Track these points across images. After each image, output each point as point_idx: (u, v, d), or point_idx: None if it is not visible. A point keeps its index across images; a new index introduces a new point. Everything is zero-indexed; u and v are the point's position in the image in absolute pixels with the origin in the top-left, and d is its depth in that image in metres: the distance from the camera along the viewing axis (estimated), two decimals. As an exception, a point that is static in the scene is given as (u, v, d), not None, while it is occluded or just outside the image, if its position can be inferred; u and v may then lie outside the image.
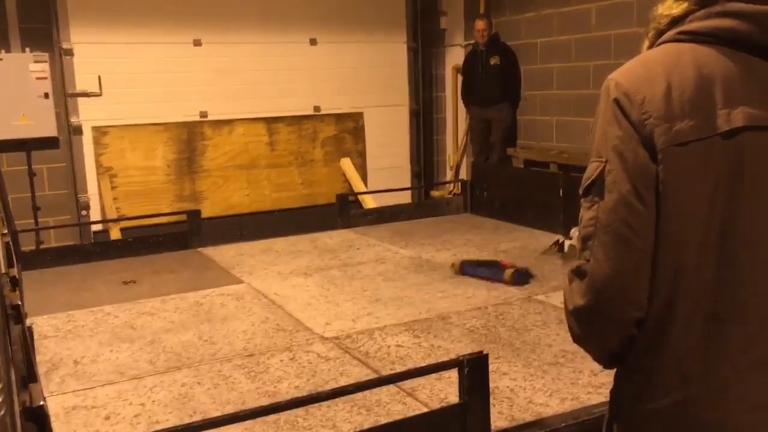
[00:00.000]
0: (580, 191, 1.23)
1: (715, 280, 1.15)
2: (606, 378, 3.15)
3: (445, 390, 3.07)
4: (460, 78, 8.10)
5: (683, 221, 1.14)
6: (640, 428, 1.24)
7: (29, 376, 2.51)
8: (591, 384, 3.11)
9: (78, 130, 6.85)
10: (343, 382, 3.20)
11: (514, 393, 3.06)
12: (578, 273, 1.21)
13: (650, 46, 1.28)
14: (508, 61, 7.48)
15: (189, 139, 7.30)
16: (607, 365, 1.31)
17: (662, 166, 1.14)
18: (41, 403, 2.02)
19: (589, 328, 1.24)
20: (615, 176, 1.16)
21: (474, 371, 2.50)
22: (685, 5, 1.22)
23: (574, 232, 5.33)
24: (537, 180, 6.62)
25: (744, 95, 1.15)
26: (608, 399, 1.33)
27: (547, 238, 5.89)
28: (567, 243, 5.35)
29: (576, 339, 1.29)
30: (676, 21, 1.23)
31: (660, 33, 1.26)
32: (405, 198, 8.12)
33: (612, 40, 6.58)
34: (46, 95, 6.56)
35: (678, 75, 1.16)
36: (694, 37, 1.19)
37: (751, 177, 1.14)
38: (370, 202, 7.60)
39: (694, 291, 1.16)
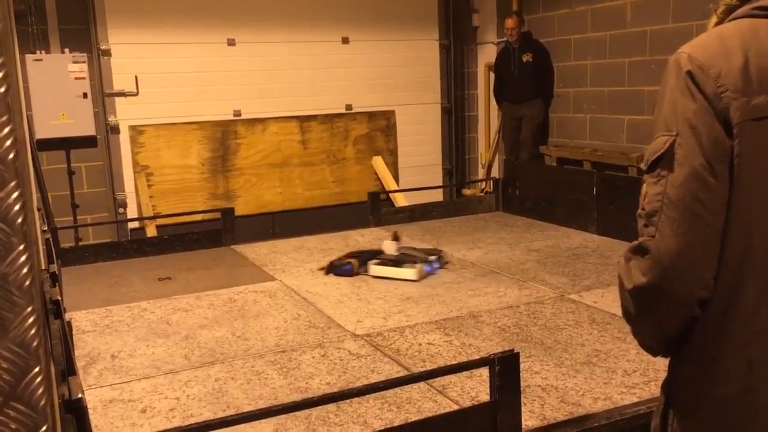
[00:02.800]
0: (644, 166, 1.21)
1: None
2: (639, 379, 3.12)
3: (476, 388, 3.07)
4: (492, 75, 8.07)
5: (756, 198, 1.13)
6: (702, 416, 1.20)
7: (68, 369, 2.58)
8: (624, 384, 3.08)
9: (115, 129, 6.99)
10: (374, 379, 3.21)
11: (545, 392, 3.04)
12: (640, 250, 1.17)
13: (719, 23, 1.26)
14: (540, 58, 7.44)
15: (223, 138, 7.40)
16: (656, 352, 1.28)
17: (738, 140, 1.12)
18: (80, 396, 2.07)
19: (649, 307, 1.19)
20: (687, 150, 1.13)
21: (505, 369, 2.50)
22: None
23: (386, 246, 5.22)
24: (570, 178, 6.56)
25: None
26: (661, 387, 1.30)
27: (578, 237, 5.84)
28: (372, 267, 4.98)
29: (630, 320, 1.25)
30: None
31: (731, 9, 1.24)
32: (436, 196, 8.12)
33: (648, 36, 6.49)
34: (85, 95, 6.70)
35: (755, 50, 1.14)
36: None
37: None
38: (401, 200, 7.61)
39: (763, 272, 1.14)
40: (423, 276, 4.87)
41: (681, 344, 1.22)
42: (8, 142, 0.77)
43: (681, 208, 1.13)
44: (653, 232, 1.15)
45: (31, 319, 0.76)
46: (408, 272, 4.86)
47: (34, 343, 0.76)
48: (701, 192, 1.12)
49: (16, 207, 0.76)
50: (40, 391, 0.75)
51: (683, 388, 1.23)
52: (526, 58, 7.42)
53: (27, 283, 0.76)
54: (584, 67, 7.24)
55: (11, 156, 0.76)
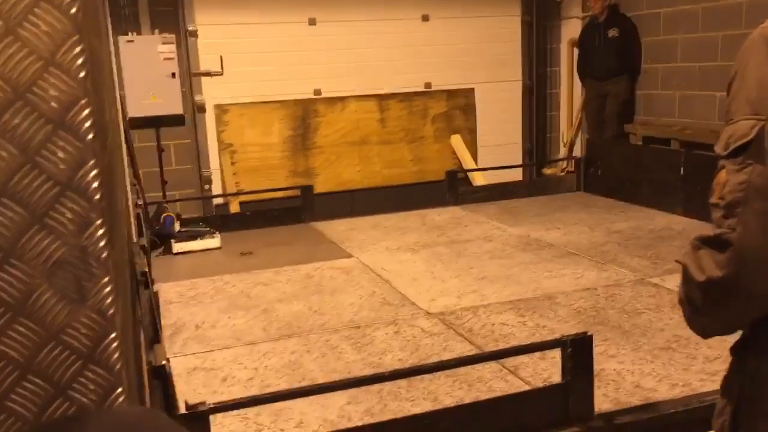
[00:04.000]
0: (724, 152, 1.11)
1: None
2: (721, 366, 3.01)
3: (549, 370, 3.04)
4: (576, 52, 7.85)
5: None
6: None
7: (155, 337, 2.72)
8: (704, 371, 2.99)
9: (201, 108, 7.22)
10: (445, 357, 3.24)
11: (620, 376, 2.99)
12: (718, 243, 1.08)
13: None
14: (627, 32, 7.17)
15: (303, 116, 7.53)
16: (711, 336, 1.23)
17: None
18: (164, 362, 2.20)
19: (722, 302, 1.12)
20: None
21: (577, 351, 2.48)
22: None
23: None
24: (655, 157, 6.33)
25: None
26: (721, 389, 1.25)
27: (663, 219, 5.64)
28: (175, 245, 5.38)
29: (695, 311, 1.18)
30: None
31: None
32: (516, 176, 8.01)
33: (744, 8, 6.15)
34: (173, 75, 6.94)
35: None
36: None
37: None
38: (480, 179, 7.55)
39: None
40: None
41: (749, 341, 1.16)
42: (87, 124, 0.82)
43: None
44: (734, 225, 1.06)
45: (107, 289, 0.81)
46: (213, 242, 5.42)
47: (111, 311, 0.82)
48: None
49: (95, 184, 0.81)
50: (116, 355, 0.81)
51: (761, 386, 1.16)
52: (612, 33, 7.17)
53: (104, 255, 0.81)
54: (674, 41, 6.93)
55: (90, 136, 0.82)
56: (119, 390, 0.83)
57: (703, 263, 1.11)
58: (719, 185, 1.11)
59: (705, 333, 1.23)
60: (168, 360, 2.35)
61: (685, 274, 1.16)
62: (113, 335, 0.82)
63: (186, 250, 5.42)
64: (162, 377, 2.21)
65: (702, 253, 1.11)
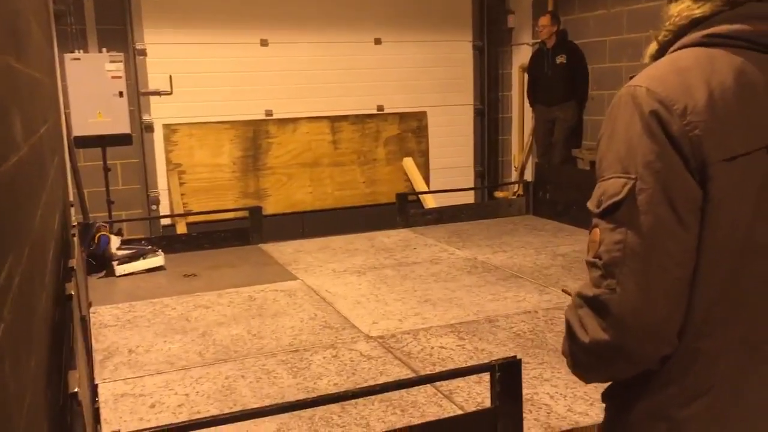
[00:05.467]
0: (597, 210, 1.09)
1: (752, 306, 1.07)
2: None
3: (483, 394, 3.02)
4: (526, 77, 7.98)
5: (725, 243, 1.04)
6: None
7: (71, 363, 2.63)
8: (636, 394, 3.00)
9: (149, 128, 7.12)
10: (381, 381, 3.20)
11: (553, 400, 2.99)
12: (597, 304, 1.06)
13: (662, 51, 1.17)
14: (575, 59, 7.32)
15: (254, 137, 7.47)
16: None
17: (710, 183, 1.02)
18: (76, 390, 2.12)
19: (605, 364, 1.10)
20: (650, 196, 1.03)
21: (506, 376, 2.46)
22: (708, 6, 1.10)
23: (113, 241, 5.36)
24: (601, 182, 6.42)
25: None
26: None
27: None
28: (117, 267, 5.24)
29: (578, 369, 1.15)
30: (697, 23, 1.11)
31: (677, 36, 1.14)
32: (468, 198, 8.06)
33: (684, 38, 6.33)
34: (121, 94, 6.85)
35: (718, 83, 1.04)
36: (726, 41, 1.08)
37: None
38: (431, 202, 7.58)
39: (729, 319, 1.06)
40: None
41: (631, 390, 1.14)
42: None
43: (646, 260, 1.02)
44: (613, 285, 1.04)
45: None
46: (155, 260, 5.33)
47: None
48: (668, 243, 1.02)
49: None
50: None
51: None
52: (560, 59, 7.31)
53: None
54: (619, 68, 7.10)
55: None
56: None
57: (585, 323, 1.08)
58: (594, 243, 1.09)
59: (588, 381, 1.22)
60: (79, 387, 2.27)
61: (569, 331, 1.13)
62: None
63: (129, 272, 5.28)
64: (75, 405, 2.12)
65: (583, 313, 1.09)
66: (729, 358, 1.08)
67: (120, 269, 5.27)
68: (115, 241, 5.44)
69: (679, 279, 1.04)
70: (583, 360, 1.12)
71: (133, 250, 5.42)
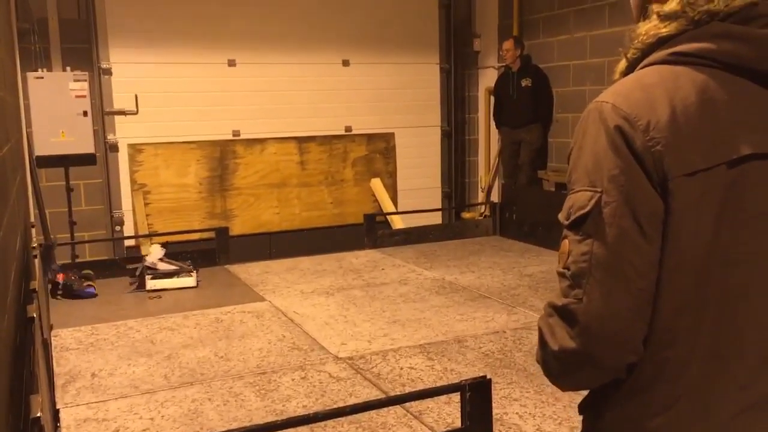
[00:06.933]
0: (566, 221, 1.12)
1: (717, 316, 1.09)
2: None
3: (453, 414, 3.02)
4: (492, 99, 8.08)
5: (687, 256, 1.06)
6: None
7: (32, 387, 2.56)
8: (604, 413, 3.03)
9: (114, 148, 7.02)
10: (350, 402, 3.18)
11: (522, 419, 3.00)
12: (565, 313, 1.09)
13: (631, 68, 1.19)
14: (539, 82, 7.44)
15: (221, 158, 7.42)
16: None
17: (671, 197, 1.05)
18: (38, 414, 2.06)
19: (574, 371, 1.13)
20: (615, 209, 1.05)
21: (476, 396, 2.47)
22: (674, 25, 1.13)
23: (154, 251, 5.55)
24: (566, 203, 6.51)
25: (747, 121, 1.09)
26: None
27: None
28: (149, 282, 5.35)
29: (551, 376, 1.17)
30: (663, 41, 1.14)
31: (645, 54, 1.17)
32: (436, 219, 8.10)
33: (645, 63, 6.48)
34: (85, 113, 6.74)
35: (680, 99, 1.07)
36: (690, 59, 1.11)
37: (752, 207, 1.07)
38: (398, 222, 7.59)
39: (693, 329, 1.08)
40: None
41: (602, 400, 1.16)
42: None
43: (610, 271, 1.05)
44: (580, 295, 1.07)
45: None
46: (187, 281, 5.37)
47: None
48: (632, 254, 1.04)
49: None
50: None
51: None
52: (525, 82, 7.43)
53: None
54: (583, 92, 7.24)
55: None
56: None
57: (555, 332, 1.11)
58: (563, 254, 1.12)
59: (563, 389, 1.23)
60: (41, 412, 2.21)
61: (541, 339, 1.16)
62: None
63: (160, 287, 5.32)
64: (37, 430, 2.06)
65: (553, 321, 1.11)
66: (696, 368, 1.10)
67: (151, 284, 5.29)
68: (158, 252, 5.41)
69: (641, 289, 1.06)
70: (554, 367, 1.15)
71: (174, 267, 5.46)
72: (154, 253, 5.43)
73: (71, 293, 5.19)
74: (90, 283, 5.35)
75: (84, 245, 6.92)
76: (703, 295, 1.08)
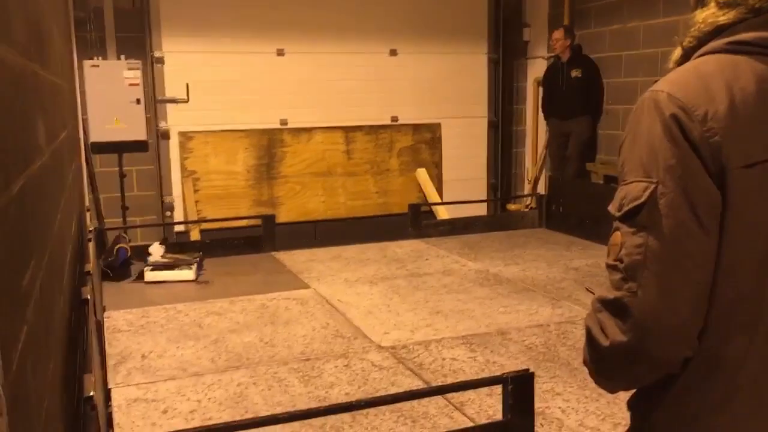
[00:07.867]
0: (617, 213, 1.10)
1: None
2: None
3: (494, 406, 3.02)
4: (541, 90, 7.99)
5: (745, 248, 1.05)
6: None
7: (86, 367, 2.65)
8: (648, 410, 2.99)
9: (165, 135, 7.18)
10: (392, 391, 3.21)
11: (565, 414, 2.98)
12: (617, 306, 1.07)
13: (686, 57, 1.18)
14: (590, 73, 7.32)
15: (269, 146, 7.52)
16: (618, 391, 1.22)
17: (729, 189, 1.03)
18: (92, 394, 2.14)
19: (626, 367, 1.11)
20: (671, 200, 1.04)
21: (518, 389, 2.46)
22: (733, 13, 1.11)
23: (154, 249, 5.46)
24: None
25: None
26: None
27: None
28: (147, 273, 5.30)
29: (601, 374, 1.16)
30: (721, 30, 1.12)
31: (702, 42, 1.15)
32: (481, 211, 8.06)
33: (700, 54, 6.32)
34: (138, 101, 6.91)
35: (739, 89, 1.05)
36: (749, 48, 1.09)
37: None
38: (443, 213, 7.58)
39: (751, 324, 1.07)
40: (197, 276, 5.28)
41: (654, 396, 1.14)
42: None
43: (667, 263, 1.04)
44: (634, 288, 1.05)
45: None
46: (186, 273, 5.30)
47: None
48: (689, 246, 1.03)
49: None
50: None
51: None
52: (575, 73, 7.31)
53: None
54: (635, 83, 7.09)
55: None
56: None
57: (605, 327, 1.09)
58: (615, 246, 1.10)
59: (611, 390, 1.22)
60: (94, 391, 2.29)
61: (589, 337, 1.14)
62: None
63: (158, 279, 5.30)
64: (90, 409, 2.14)
65: (603, 317, 1.09)
66: (753, 363, 1.08)
67: (150, 275, 5.32)
68: (159, 250, 5.49)
69: (699, 282, 1.05)
70: (604, 366, 1.13)
71: (172, 260, 5.47)
72: (155, 254, 5.48)
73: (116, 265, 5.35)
74: (122, 245, 5.45)
75: (135, 230, 7.10)
76: (762, 289, 1.06)
